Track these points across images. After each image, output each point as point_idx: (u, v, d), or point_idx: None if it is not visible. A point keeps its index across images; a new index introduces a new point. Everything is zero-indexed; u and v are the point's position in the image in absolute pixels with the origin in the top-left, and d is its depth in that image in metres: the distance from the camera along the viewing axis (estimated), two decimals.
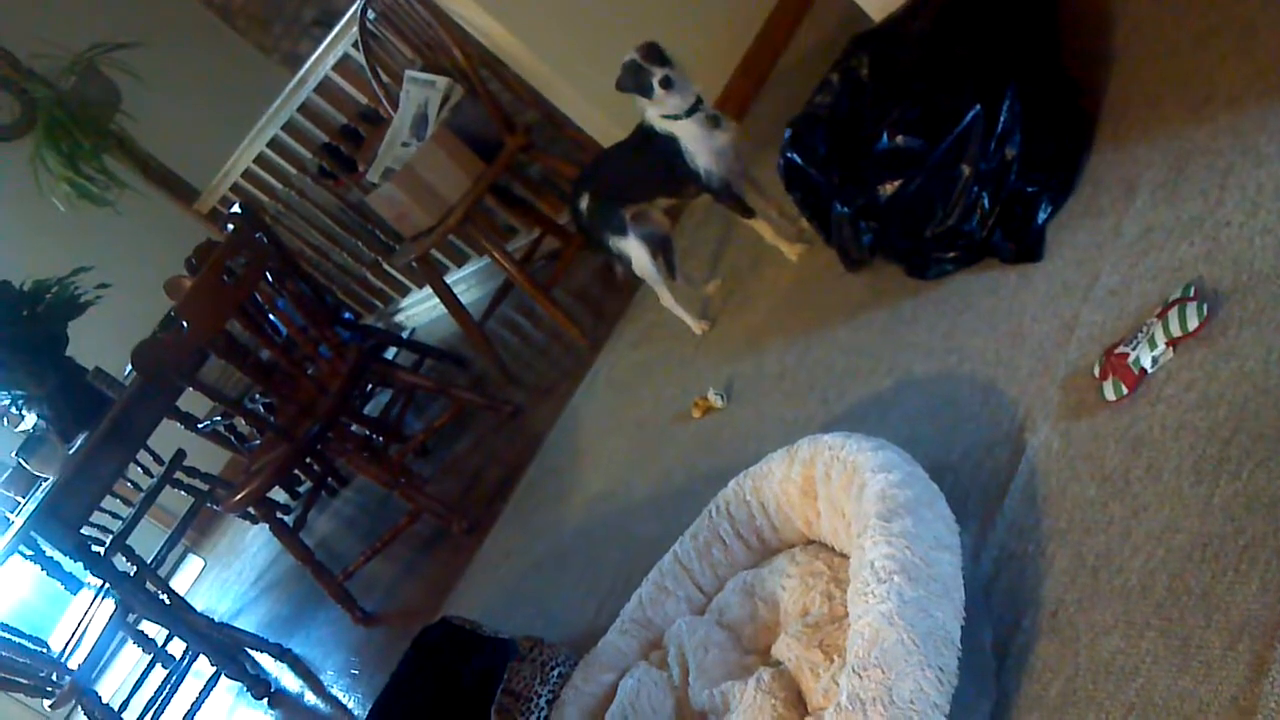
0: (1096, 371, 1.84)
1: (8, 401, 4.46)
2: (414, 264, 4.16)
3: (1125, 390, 1.78)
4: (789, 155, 2.63)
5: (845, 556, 1.94)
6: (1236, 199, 1.87)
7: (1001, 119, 2.23)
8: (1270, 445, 1.53)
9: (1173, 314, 1.77)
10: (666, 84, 2.71)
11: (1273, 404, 1.56)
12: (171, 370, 3.42)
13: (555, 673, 2.32)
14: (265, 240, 4.00)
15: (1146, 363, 1.77)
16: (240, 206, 4.45)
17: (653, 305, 3.42)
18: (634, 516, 2.90)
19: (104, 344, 4.86)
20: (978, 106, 2.23)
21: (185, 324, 3.29)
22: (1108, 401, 1.80)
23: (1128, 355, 1.80)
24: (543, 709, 2.25)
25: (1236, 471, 1.54)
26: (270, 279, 3.81)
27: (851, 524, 1.83)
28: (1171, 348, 1.76)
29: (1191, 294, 1.77)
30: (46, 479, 4.24)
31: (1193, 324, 1.74)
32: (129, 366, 4.05)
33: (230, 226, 3.66)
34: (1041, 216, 2.23)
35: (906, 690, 1.48)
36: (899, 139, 2.32)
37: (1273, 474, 1.49)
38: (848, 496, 1.86)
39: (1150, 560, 1.55)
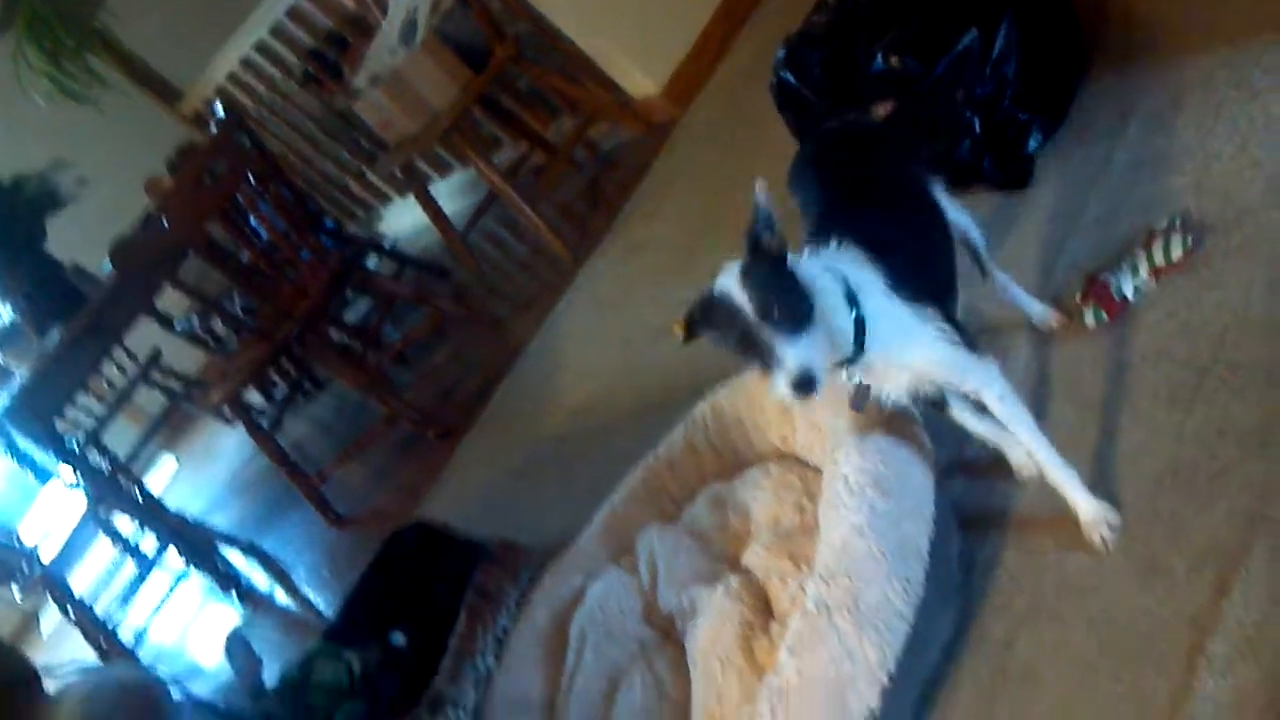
0: (1078, 297, 1.84)
1: None
2: (398, 172, 4.14)
3: (1106, 318, 1.79)
4: (782, 75, 2.61)
5: (818, 471, 1.96)
6: (1228, 132, 1.87)
7: (998, 44, 2.21)
8: (1246, 375, 1.54)
9: (1157, 244, 1.77)
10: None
11: (1251, 335, 1.58)
12: (150, 268, 3.41)
13: (526, 574, 2.35)
14: (248, 143, 3.96)
15: (1129, 291, 1.78)
16: (224, 109, 4.39)
17: (638, 222, 3.41)
18: (611, 429, 2.91)
19: (83, 240, 4.81)
20: (974, 31, 2.22)
21: (165, 223, 3.26)
22: (1088, 329, 1.81)
23: (1110, 283, 1.80)
24: (512, 608, 2.28)
25: (1211, 399, 1.55)
26: (252, 182, 3.79)
27: (827, 438, 1.85)
28: (1154, 277, 1.76)
29: (1177, 225, 1.78)
30: (21, 372, 4.22)
31: (1177, 255, 1.75)
32: (107, 263, 4.02)
33: (213, 128, 3.62)
34: (1033, 144, 2.23)
35: (873, 598, 1.50)
36: (894, 60, 2.31)
37: (1247, 403, 1.51)
38: (824, 411, 1.88)
39: (1120, 482, 1.57)
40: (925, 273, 1.63)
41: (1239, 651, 1.29)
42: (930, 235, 1.70)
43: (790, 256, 1.51)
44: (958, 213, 1.81)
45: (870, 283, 1.54)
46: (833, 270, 1.54)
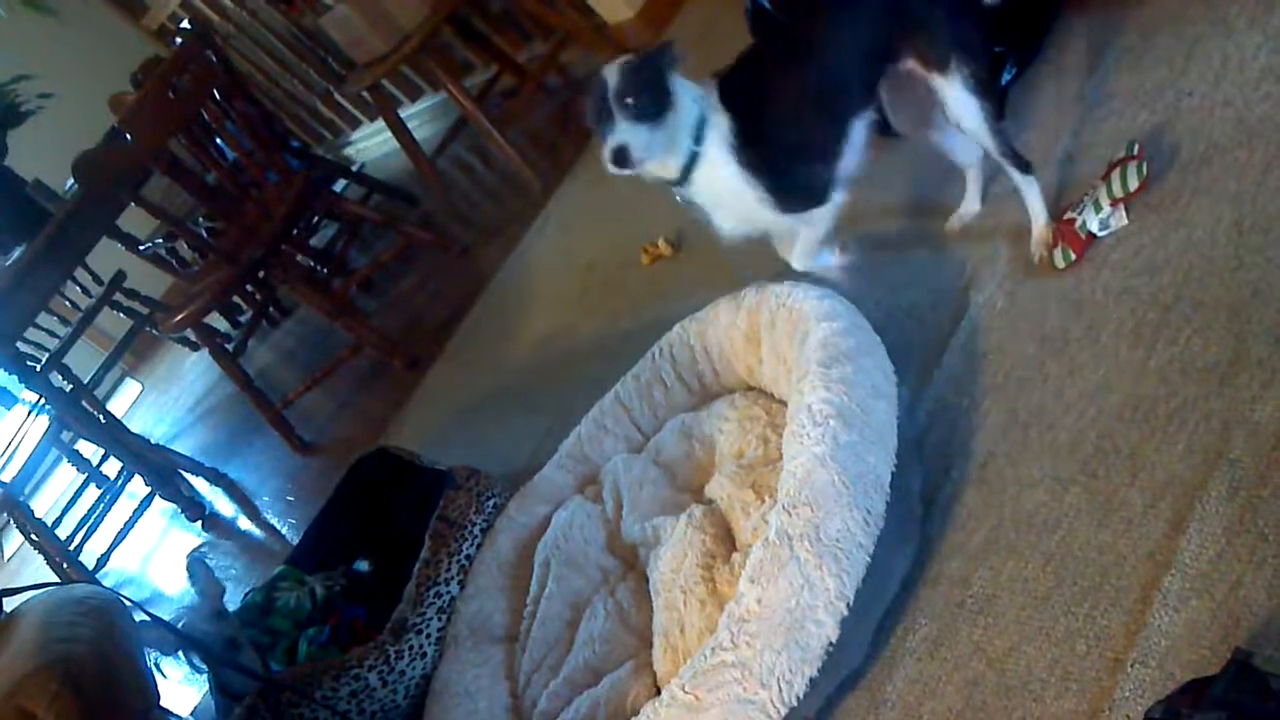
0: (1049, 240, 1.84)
1: None
2: (366, 93, 4.07)
3: (1074, 256, 1.79)
4: (758, 1, 2.57)
5: (784, 403, 1.96)
6: (1201, 69, 1.86)
7: None
8: (1209, 313, 1.54)
9: (1115, 174, 1.76)
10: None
11: (1216, 273, 1.58)
12: (114, 184, 3.35)
13: (491, 503, 2.34)
14: (214, 58, 3.88)
15: (1094, 226, 1.77)
16: (189, 23, 4.31)
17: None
18: (578, 358, 2.91)
19: (45, 157, 4.74)
20: None
21: (129, 137, 3.21)
22: (1058, 270, 1.80)
23: (1074, 220, 1.80)
24: (476, 536, 2.28)
25: (1174, 337, 1.56)
26: (218, 99, 3.72)
27: (792, 370, 1.84)
28: (1116, 208, 1.76)
29: (1135, 152, 1.77)
30: None
31: (1133, 184, 1.74)
32: (70, 180, 3.95)
33: (179, 41, 3.55)
34: (1006, 77, 2.21)
35: (833, 528, 1.51)
36: None
37: (1209, 341, 1.51)
38: (791, 343, 1.87)
39: (1081, 419, 1.58)
40: (780, 141, 1.82)
41: (1193, 587, 1.30)
42: (808, 110, 1.83)
43: (674, 74, 1.77)
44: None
45: (717, 132, 1.79)
46: (701, 104, 1.79)
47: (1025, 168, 1.85)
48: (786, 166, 1.84)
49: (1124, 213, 1.76)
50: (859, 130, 1.85)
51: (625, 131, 1.73)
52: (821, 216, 1.90)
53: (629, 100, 1.73)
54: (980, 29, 1.80)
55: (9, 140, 4.27)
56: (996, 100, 1.80)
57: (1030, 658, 1.39)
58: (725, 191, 1.85)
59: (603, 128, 1.75)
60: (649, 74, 1.75)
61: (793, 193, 1.85)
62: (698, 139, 1.79)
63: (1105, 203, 1.76)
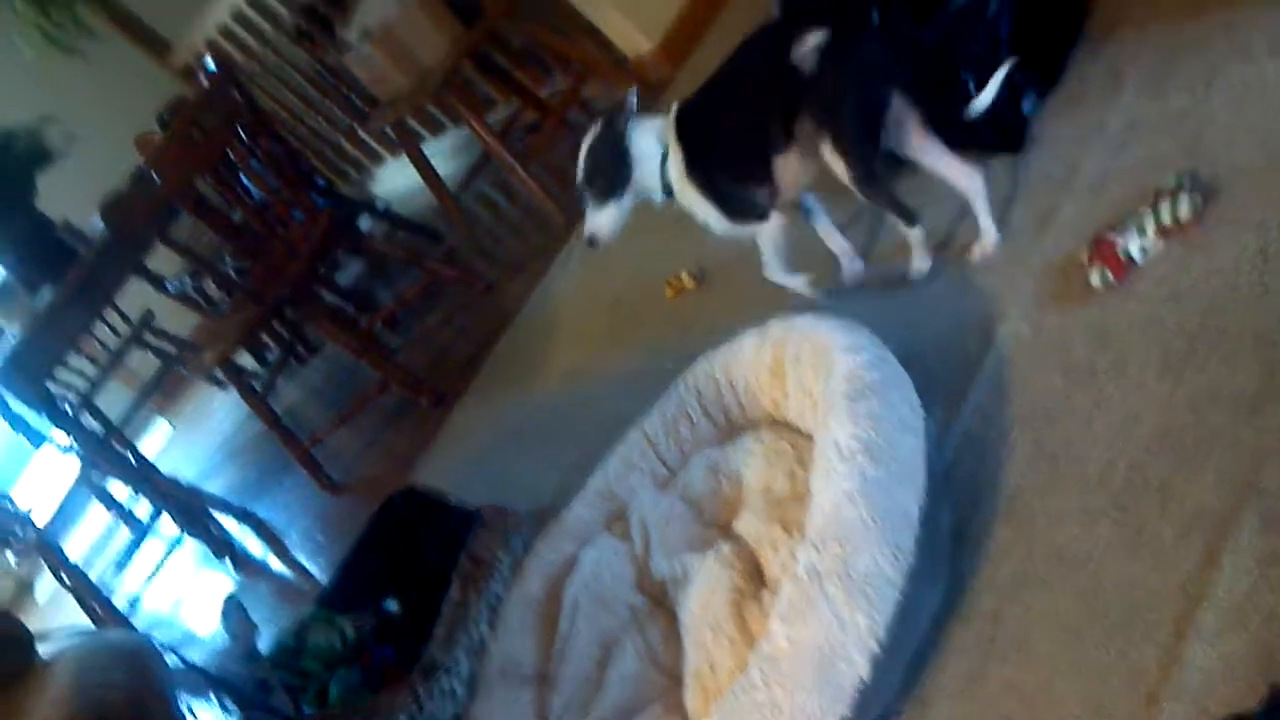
0: (1085, 258, 1.83)
1: None
2: (389, 131, 4.10)
3: (1112, 278, 1.77)
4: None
5: (810, 437, 1.95)
6: (1223, 96, 1.86)
7: (992, 3, 2.19)
8: (1236, 342, 1.53)
9: (1164, 204, 1.75)
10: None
11: (1242, 301, 1.57)
12: (141, 225, 3.39)
13: (519, 541, 2.35)
14: (239, 97, 3.92)
15: (1135, 251, 1.76)
16: (214, 62, 4.35)
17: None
18: (603, 393, 2.91)
19: (73, 197, 4.77)
20: None
21: (156, 178, 3.24)
22: (1094, 290, 1.79)
23: (1116, 243, 1.78)
24: (505, 575, 2.28)
25: (1201, 366, 1.55)
26: (243, 137, 3.76)
27: (818, 404, 1.84)
28: (1161, 238, 1.75)
29: (1185, 184, 1.76)
30: (11, 331, 4.20)
31: (1185, 215, 1.72)
32: (98, 220, 3.99)
33: (204, 81, 3.59)
34: (1027, 106, 2.21)
35: (863, 565, 1.50)
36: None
37: (1236, 370, 1.50)
38: (816, 377, 1.87)
39: (1110, 450, 1.57)
40: (719, 168, 2.14)
41: (1227, 620, 1.29)
42: (736, 147, 2.12)
43: (633, 129, 2.12)
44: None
45: (674, 160, 2.12)
46: (660, 139, 2.12)
47: (910, 220, 2.09)
48: (726, 189, 2.15)
49: (1162, 241, 1.75)
50: (786, 164, 2.08)
51: (594, 217, 2.14)
52: (767, 230, 2.23)
53: (591, 188, 2.13)
54: (858, 107, 1.97)
55: (37, 181, 4.32)
56: (867, 167, 1.99)
57: (1064, 694, 1.38)
58: (691, 204, 2.18)
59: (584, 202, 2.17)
60: (608, 149, 2.12)
61: (734, 209, 2.17)
62: (665, 164, 2.13)
63: (1150, 230, 1.75)
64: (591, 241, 2.16)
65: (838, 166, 2.00)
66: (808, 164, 2.08)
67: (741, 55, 2.14)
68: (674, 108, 2.14)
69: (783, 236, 2.27)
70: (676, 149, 2.12)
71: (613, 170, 2.11)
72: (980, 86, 2.19)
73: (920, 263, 2.13)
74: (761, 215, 2.18)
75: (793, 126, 2.02)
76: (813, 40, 1.95)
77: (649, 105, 3.82)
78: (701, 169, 2.12)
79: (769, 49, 2.04)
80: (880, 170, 2.03)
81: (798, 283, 2.33)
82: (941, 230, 2.21)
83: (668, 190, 2.16)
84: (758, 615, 1.72)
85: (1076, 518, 1.53)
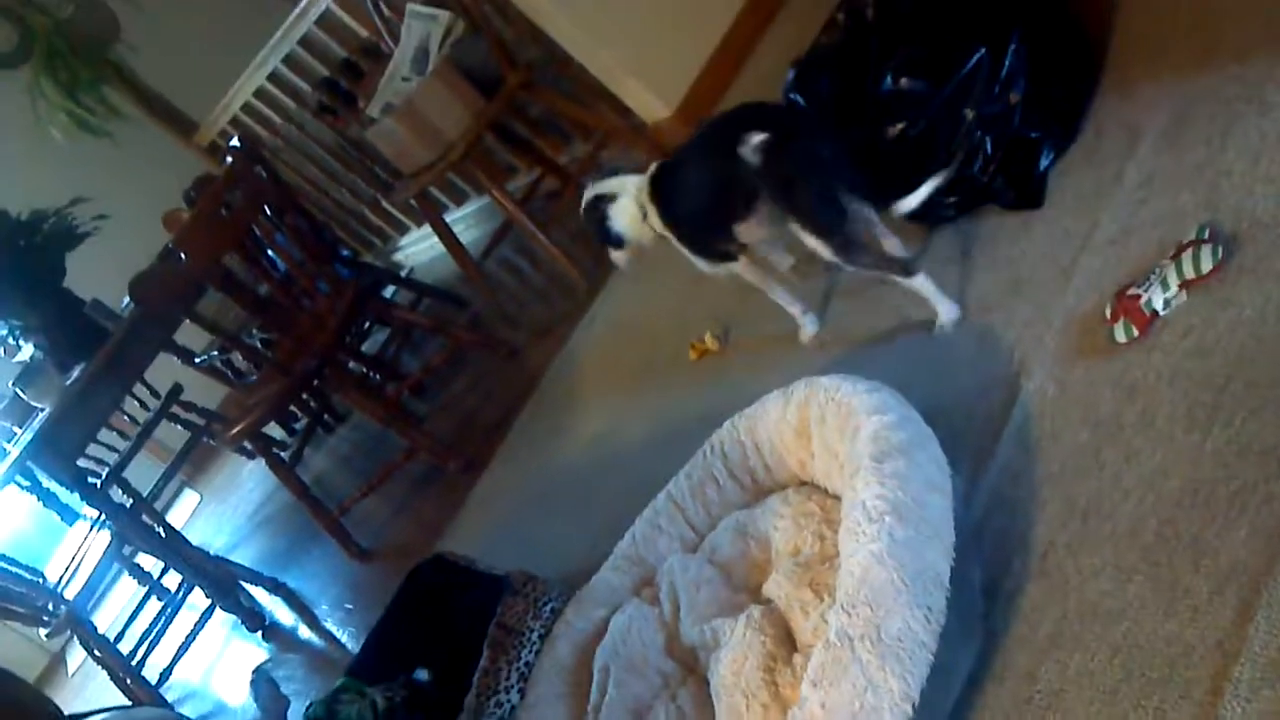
0: (1108, 313, 1.83)
1: (5, 332, 4.45)
2: (413, 201, 4.15)
3: (1136, 333, 1.77)
4: (792, 97, 2.61)
5: (838, 498, 1.95)
6: (1239, 147, 1.86)
7: (1006, 63, 2.21)
8: (1263, 394, 1.53)
9: (1186, 256, 1.75)
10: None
11: (1268, 353, 1.56)
12: (169, 303, 3.43)
13: (548, 607, 2.34)
14: (264, 174, 3.98)
15: (1159, 305, 1.76)
16: (239, 140, 4.42)
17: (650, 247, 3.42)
18: (629, 457, 2.91)
19: (102, 276, 4.84)
20: (983, 49, 2.22)
21: (183, 256, 3.28)
22: (1119, 344, 1.79)
23: (1140, 297, 1.78)
24: (535, 643, 2.27)
25: (1229, 419, 1.54)
26: (268, 213, 3.80)
27: (844, 465, 1.84)
28: (1184, 290, 1.75)
29: (1206, 236, 1.76)
30: (43, 409, 4.24)
31: (1206, 266, 1.73)
32: (127, 298, 4.04)
33: (229, 159, 3.64)
34: (1043, 163, 2.22)
35: (894, 628, 1.49)
36: (903, 81, 2.31)
37: (1265, 422, 1.50)
38: (841, 438, 1.87)
39: (1140, 505, 1.56)
40: (687, 221, 2.43)
41: (1264, 676, 1.28)
42: (706, 198, 2.36)
43: (610, 203, 2.47)
44: None
45: (651, 212, 2.42)
46: (639, 197, 2.43)
47: (907, 272, 2.18)
48: (695, 236, 2.45)
49: (1185, 294, 1.75)
50: (746, 228, 2.32)
51: (613, 254, 2.56)
52: (739, 268, 2.50)
53: (600, 241, 2.54)
54: (815, 191, 2.15)
55: (66, 261, 4.38)
56: (840, 238, 2.15)
57: None
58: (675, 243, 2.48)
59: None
60: (596, 224, 2.50)
61: (704, 253, 2.47)
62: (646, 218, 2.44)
63: (1174, 283, 1.75)
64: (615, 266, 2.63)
65: (814, 245, 2.17)
66: (770, 229, 2.30)
67: (702, 138, 2.39)
68: (652, 167, 2.44)
69: (764, 270, 2.56)
70: (651, 204, 2.41)
71: (605, 234, 2.49)
72: (996, 146, 2.22)
73: (944, 310, 2.17)
74: (731, 259, 2.47)
75: (752, 203, 2.24)
76: (755, 140, 2.14)
77: None
78: (674, 221, 2.42)
79: (721, 140, 2.24)
80: (856, 237, 2.16)
81: (796, 311, 2.57)
82: (961, 287, 2.22)
83: (659, 236, 2.47)
84: (790, 680, 1.70)
85: (1109, 574, 1.52)
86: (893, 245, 2.27)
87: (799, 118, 2.47)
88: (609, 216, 2.47)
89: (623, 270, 2.66)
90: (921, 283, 2.17)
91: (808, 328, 2.56)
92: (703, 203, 2.37)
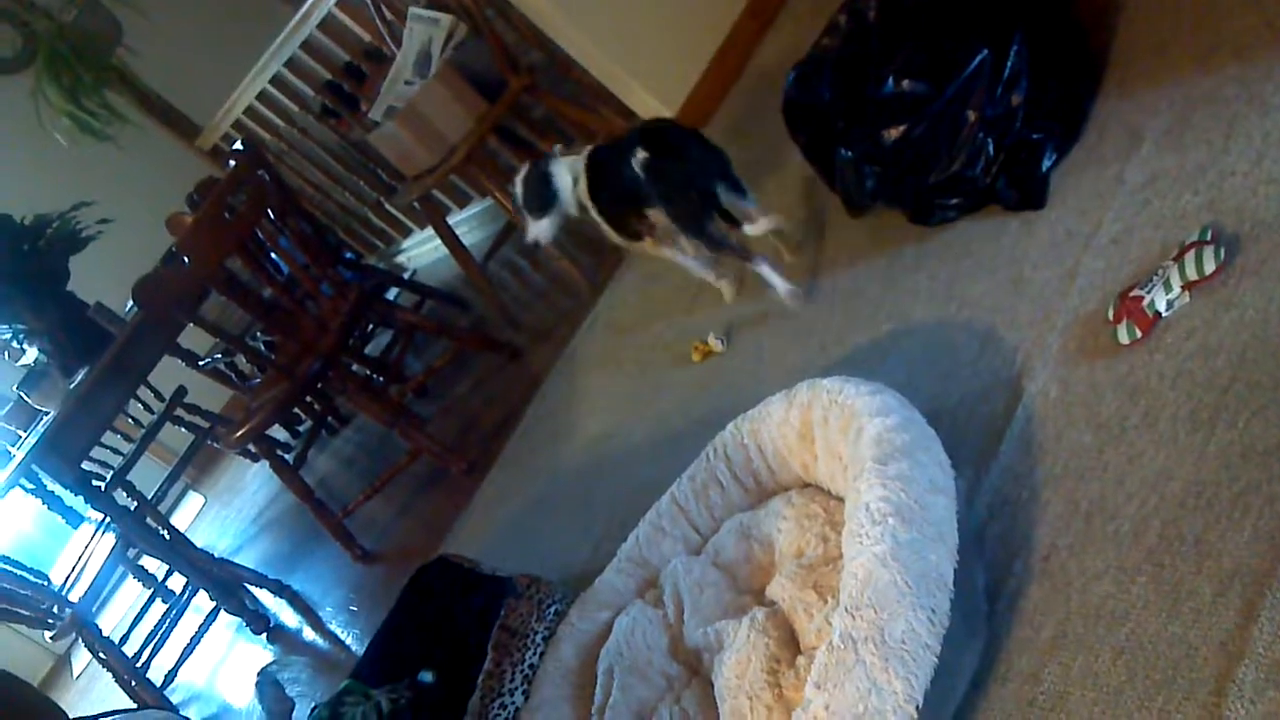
0: (1110, 315, 1.83)
1: (9, 336, 4.45)
2: (416, 204, 4.15)
3: (1139, 334, 1.77)
4: (793, 98, 2.62)
5: (841, 500, 1.95)
6: (1241, 148, 1.86)
7: (1009, 64, 2.21)
8: (1266, 395, 1.53)
9: (1189, 257, 1.75)
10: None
11: (1271, 354, 1.57)
12: (173, 306, 3.43)
13: (552, 610, 2.34)
14: (267, 177, 3.98)
15: (1161, 306, 1.76)
16: (242, 143, 4.42)
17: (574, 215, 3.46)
18: (632, 459, 2.91)
19: (105, 279, 4.85)
20: (985, 51, 2.21)
21: (186, 260, 3.29)
22: (1122, 345, 1.79)
23: (1143, 298, 1.79)
24: (539, 645, 2.27)
25: (1232, 420, 1.54)
26: (272, 216, 3.81)
27: (848, 467, 1.84)
28: (1187, 291, 1.75)
29: (1208, 237, 1.76)
30: (47, 413, 4.25)
31: (1209, 268, 1.73)
32: (130, 302, 4.05)
33: (232, 163, 3.64)
34: (1046, 164, 2.22)
35: (898, 630, 1.49)
36: (905, 83, 2.31)
37: (1269, 423, 1.50)
38: (844, 440, 1.87)
39: (1144, 507, 1.56)
40: (612, 201, 2.79)
41: (1268, 677, 1.28)
42: (616, 188, 2.75)
43: (555, 166, 2.82)
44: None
45: (581, 186, 2.79)
46: (574, 170, 2.80)
47: (747, 257, 2.66)
48: (609, 214, 2.80)
49: (1188, 295, 1.75)
50: (654, 213, 2.72)
51: (533, 227, 2.88)
52: (646, 246, 2.88)
53: (528, 207, 2.86)
54: (683, 201, 2.62)
55: (70, 265, 4.38)
56: (698, 231, 2.63)
57: None
58: (595, 218, 2.82)
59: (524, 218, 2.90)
60: (536, 182, 2.83)
61: (617, 228, 2.82)
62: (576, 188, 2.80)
63: (1177, 284, 1.75)
64: (535, 245, 2.92)
65: (683, 240, 2.77)
66: (664, 218, 2.72)
67: (620, 142, 2.74)
68: (587, 150, 2.80)
69: (668, 249, 2.91)
70: (584, 180, 2.77)
71: (541, 193, 2.82)
72: (998, 148, 2.22)
73: (783, 289, 2.63)
74: (639, 238, 2.85)
75: (643, 202, 2.70)
76: (640, 156, 2.60)
77: None
78: (595, 197, 2.79)
79: (626, 149, 2.65)
80: (711, 230, 2.62)
81: (722, 284, 2.95)
82: (961, 290, 2.22)
83: (580, 207, 2.81)
84: (794, 682, 1.71)
85: (1113, 575, 1.52)
86: (758, 227, 2.64)
87: (684, 138, 2.74)
88: (553, 175, 2.80)
89: (542, 243, 2.91)
90: (760, 267, 2.64)
91: (726, 290, 2.95)
92: (615, 191, 2.76)
